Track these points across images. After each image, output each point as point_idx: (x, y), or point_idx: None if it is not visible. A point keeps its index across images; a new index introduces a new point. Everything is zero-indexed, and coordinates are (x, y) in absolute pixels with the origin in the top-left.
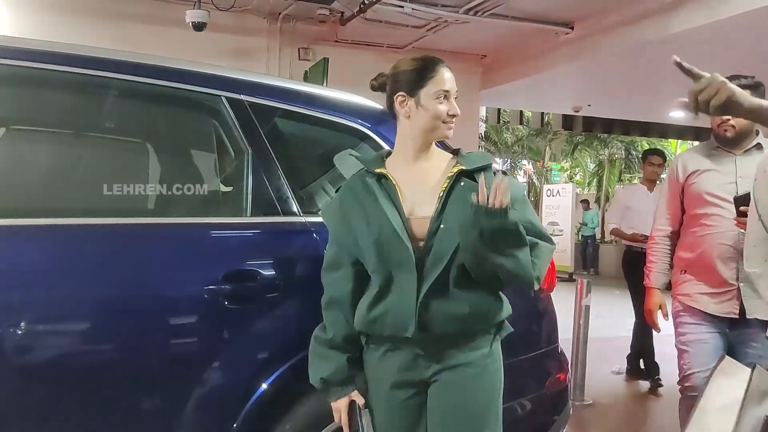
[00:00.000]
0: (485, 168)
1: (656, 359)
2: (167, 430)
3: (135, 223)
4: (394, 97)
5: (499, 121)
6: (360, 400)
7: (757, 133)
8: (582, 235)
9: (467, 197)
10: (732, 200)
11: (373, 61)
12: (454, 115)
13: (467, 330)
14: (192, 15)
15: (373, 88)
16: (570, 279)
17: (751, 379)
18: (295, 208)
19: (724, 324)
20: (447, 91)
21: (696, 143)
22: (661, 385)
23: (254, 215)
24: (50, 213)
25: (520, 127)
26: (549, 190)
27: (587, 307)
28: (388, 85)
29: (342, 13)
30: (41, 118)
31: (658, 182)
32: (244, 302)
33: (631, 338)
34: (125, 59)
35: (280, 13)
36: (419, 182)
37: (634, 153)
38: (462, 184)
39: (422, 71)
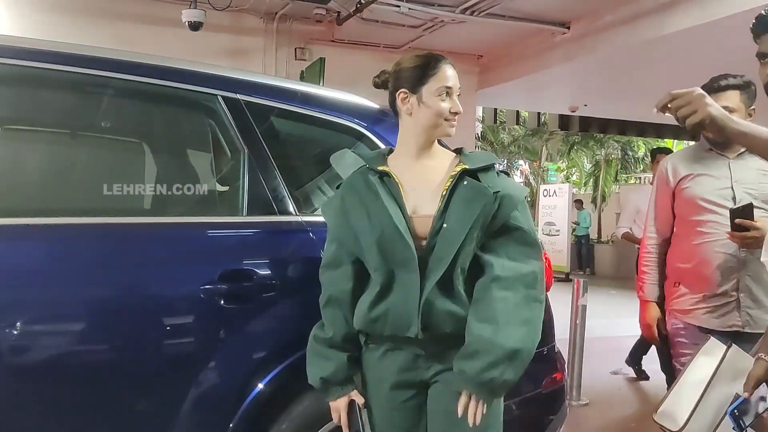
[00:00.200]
0: (488, 167)
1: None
2: (164, 429)
3: (131, 222)
4: (396, 94)
5: (495, 121)
6: (359, 400)
7: None
8: (575, 235)
9: (470, 197)
10: (728, 205)
11: (369, 61)
12: (456, 113)
13: None
14: (188, 14)
15: (376, 86)
16: (566, 279)
17: (724, 356)
18: (291, 207)
19: (725, 339)
20: (449, 88)
21: (693, 143)
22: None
23: (250, 215)
24: (45, 213)
25: (517, 127)
26: (545, 190)
27: (584, 307)
28: (390, 82)
29: (338, 12)
30: (35, 117)
31: None
32: (240, 302)
33: (633, 341)
34: (121, 58)
35: (276, 13)
36: (422, 180)
37: (630, 153)
38: (465, 183)
39: (424, 68)
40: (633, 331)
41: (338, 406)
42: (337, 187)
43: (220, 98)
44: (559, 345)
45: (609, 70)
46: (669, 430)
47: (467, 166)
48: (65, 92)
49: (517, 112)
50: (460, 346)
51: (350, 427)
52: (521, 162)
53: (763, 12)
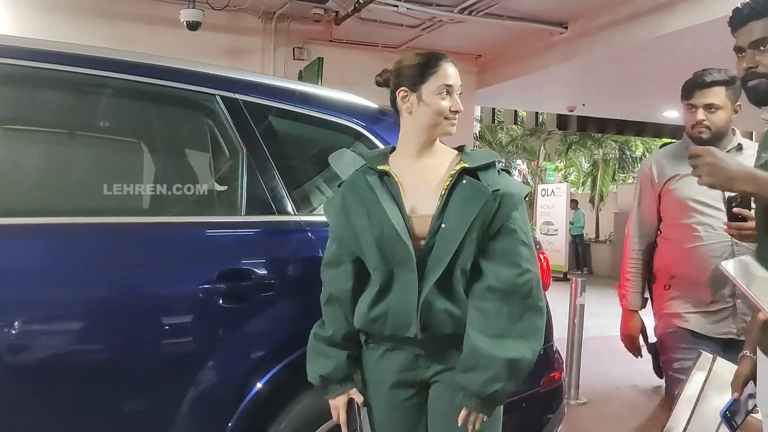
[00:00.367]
0: (489, 166)
1: None
2: (163, 429)
3: (129, 222)
4: (397, 92)
5: (493, 121)
6: (359, 398)
7: (734, 132)
8: (571, 235)
9: (469, 196)
10: (721, 206)
11: (367, 60)
12: (457, 111)
13: None
14: (186, 14)
15: (378, 84)
16: (564, 278)
17: (710, 369)
18: (290, 207)
19: (718, 346)
20: (450, 86)
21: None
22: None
23: (249, 214)
24: (44, 212)
25: (515, 126)
26: (543, 189)
27: (582, 306)
28: (391, 81)
29: (337, 12)
30: (34, 117)
31: None
32: (239, 301)
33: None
34: (120, 58)
35: (274, 13)
36: (422, 180)
37: (628, 153)
38: (464, 182)
39: (424, 66)
40: None
41: (337, 405)
42: (339, 186)
43: (218, 98)
44: (557, 344)
45: (607, 70)
46: None
47: (467, 165)
48: (64, 92)
49: (515, 111)
50: (461, 346)
51: (349, 426)
52: (519, 162)
53: (739, 5)
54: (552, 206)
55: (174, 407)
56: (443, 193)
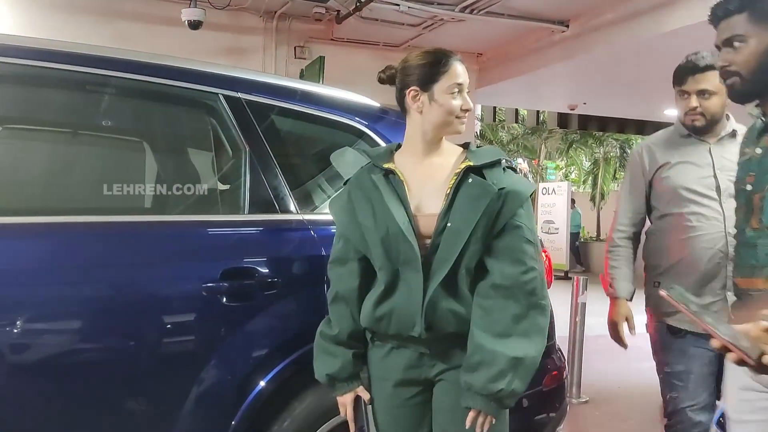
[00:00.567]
0: (494, 164)
1: None
2: (167, 427)
3: (132, 221)
4: (406, 92)
5: (494, 120)
6: (365, 396)
7: (728, 117)
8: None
9: (474, 194)
10: (715, 196)
11: (369, 59)
12: (467, 110)
13: None
14: (188, 13)
15: (381, 81)
16: (566, 277)
17: None
18: (292, 205)
19: (707, 342)
20: (461, 85)
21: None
22: None
23: (252, 213)
24: (46, 211)
25: (516, 125)
26: (544, 188)
27: (583, 305)
28: (397, 79)
29: (338, 11)
30: (36, 116)
31: None
32: (242, 300)
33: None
34: (122, 57)
35: (276, 12)
36: (428, 178)
37: (629, 151)
38: (470, 180)
39: (435, 65)
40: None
41: (345, 401)
42: (344, 184)
43: (221, 97)
44: (559, 342)
45: (608, 69)
46: None
47: (472, 163)
48: (66, 91)
49: (516, 110)
50: (465, 345)
51: (356, 422)
52: (520, 160)
53: (714, 5)
54: (553, 205)
55: (178, 406)
56: (449, 191)
